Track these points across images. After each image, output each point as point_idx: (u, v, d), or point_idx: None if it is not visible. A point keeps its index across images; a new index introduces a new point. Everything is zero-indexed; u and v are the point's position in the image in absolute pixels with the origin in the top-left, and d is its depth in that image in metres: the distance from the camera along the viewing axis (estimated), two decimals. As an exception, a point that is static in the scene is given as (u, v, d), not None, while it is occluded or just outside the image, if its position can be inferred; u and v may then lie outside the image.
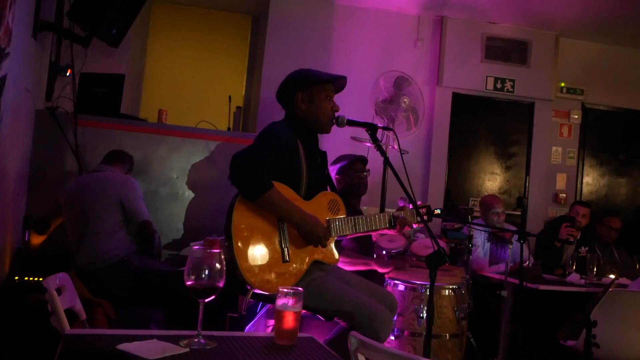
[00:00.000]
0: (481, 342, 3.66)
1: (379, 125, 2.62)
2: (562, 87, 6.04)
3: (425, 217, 2.69)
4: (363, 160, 3.65)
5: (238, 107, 5.09)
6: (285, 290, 1.63)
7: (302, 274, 2.40)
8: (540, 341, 3.98)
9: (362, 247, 3.47)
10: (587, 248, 4.28)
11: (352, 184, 3.55)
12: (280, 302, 1.62)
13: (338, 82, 2.63)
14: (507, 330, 3.67)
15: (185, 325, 1.73)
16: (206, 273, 1.50)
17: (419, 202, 2.69)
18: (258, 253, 2.31)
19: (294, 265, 2.39)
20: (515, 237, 3.35)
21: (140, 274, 3.27)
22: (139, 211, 3.35)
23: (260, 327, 2.75)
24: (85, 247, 3.32)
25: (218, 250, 1.53)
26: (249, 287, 2.29)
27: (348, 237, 2.97)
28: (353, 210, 3.45)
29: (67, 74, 4.16)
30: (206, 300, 1.53)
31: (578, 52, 6.08)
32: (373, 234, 3.05)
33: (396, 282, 3.02)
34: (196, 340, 1.50)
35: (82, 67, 4.09)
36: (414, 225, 2.75)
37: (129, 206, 3.34)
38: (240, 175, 2.29)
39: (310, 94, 2.57)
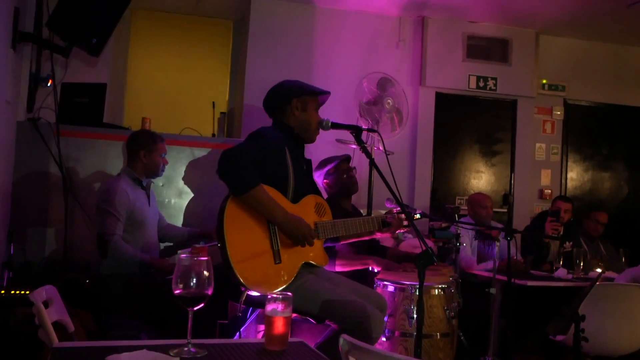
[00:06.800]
0: (472, 339, 3.68)
1: (363, 127, 2.67)
2: (543, 84, 6.09)
3: (405, 223, 2.84)
4: (347, 159, 3.68)
5: (222, 113, 5.07)
6: (275, 295, 1.63)
7: (294, 275, 2.42)
8: (530, 337, 4.01)
9: (359, 248, 3.43)
10: (571, 243, 4.32)
11: (343, 184, 3.57)
12: (269, 307, 1.62)
13: (323, 97, 2.80)
14: (497, 327, 3.69)
15: (176, 334, 1.72)
16: (194, 281, 1.49)
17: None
18: (251, 254, 2.32)
19: (286, 267, 2.40)
20: (502, 234, 3.36)
21: (129, 283, 3.23)
22: (98, 222, 3.25)
23: (250, 333, 2.74)
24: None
25: (206, 258, 1.52)
26: (243, 289, 2.29)
27: (342, 242, 3.00)
28: (344, 212, 3.45)
29: (48, 84, 4.12)
30: (195, 308, 1.52)
31: (559, 49, 6.14)
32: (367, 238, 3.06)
33: (386, 283, 3.02)
34: (186, 349, 1.49)
35: (63, 77, 4.05)
36: (401, 230, 2.86)
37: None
38: (229, 170, 2.31)
39: (304, 102, 2.71)
